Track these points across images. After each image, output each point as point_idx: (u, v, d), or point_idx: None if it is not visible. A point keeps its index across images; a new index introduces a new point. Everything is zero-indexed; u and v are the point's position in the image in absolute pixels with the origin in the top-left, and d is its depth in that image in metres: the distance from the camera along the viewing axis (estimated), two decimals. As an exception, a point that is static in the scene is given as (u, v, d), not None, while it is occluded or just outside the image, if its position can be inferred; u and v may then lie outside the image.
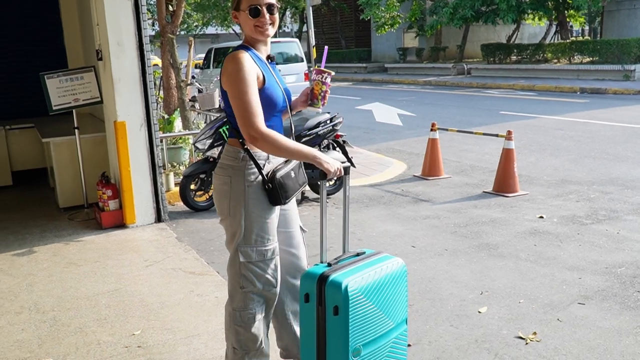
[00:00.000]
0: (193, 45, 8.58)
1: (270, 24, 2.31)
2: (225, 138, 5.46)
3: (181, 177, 5.76)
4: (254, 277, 2.37)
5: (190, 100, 9.09)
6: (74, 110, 5.60)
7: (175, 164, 7.30)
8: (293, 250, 2.58)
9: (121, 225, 5.25)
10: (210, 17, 37.50)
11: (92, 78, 5.67)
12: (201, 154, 5.67)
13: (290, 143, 2.22)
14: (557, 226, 5.10)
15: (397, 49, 29.85)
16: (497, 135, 6.57)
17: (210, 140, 5.41)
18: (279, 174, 2.34)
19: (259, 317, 2.43)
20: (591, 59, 19.85)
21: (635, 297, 3.59)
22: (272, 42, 14.50)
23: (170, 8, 8.80)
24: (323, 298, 2.13)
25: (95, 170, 5.70)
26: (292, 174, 2.43)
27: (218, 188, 2.39)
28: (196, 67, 17.53)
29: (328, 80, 2.44)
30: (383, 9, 25.50)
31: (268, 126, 2.27)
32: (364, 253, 2.35)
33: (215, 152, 5.48)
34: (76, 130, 5.67)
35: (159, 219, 5.32)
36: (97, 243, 4.88)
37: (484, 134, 6.74)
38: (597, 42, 20.06)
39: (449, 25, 23.38)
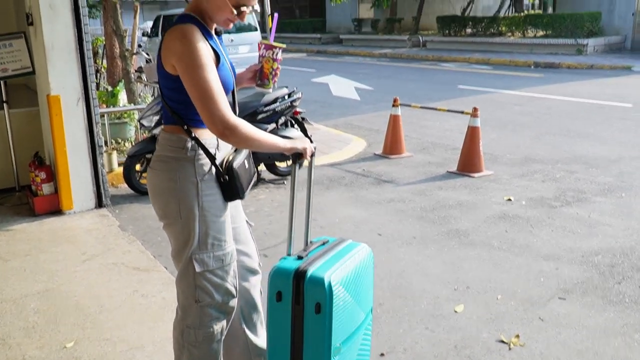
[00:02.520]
0: (139, 11, 7.92)
1: None
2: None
3: (125, 156, 5.25)
4: (212, 288, 2.01)
5: (136, 71, 8.46)
6: (1, 82, 4.99)
7: (120, 141, 6.74)
8: (241, 247, 2.22)
9: (57, 211, 4.72)
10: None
11: (23, 45, 5.06)
12: (147, 131, 5.14)
13: (264, 134, 1.95)
14: (526, 209, 4.88)
15: (352, 19, 29.29)
16: (462, 112, 6.29)
17: (157, 117, 4.90)
18: (235, 164, 2.02)
19: (217, 334, 2.08)
20: (545, 33, 19.90)
21: (616, 290, 3.38)
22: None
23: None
24: (301, 296, 1.93)
25: (29, 149, 5.09)
26: (246, 164, 2.11)
27: (159, 186, 2.01)
28: (143, 34, 16.60)
29: (279, 55, 2.15)
30: (338, -23, 24.87)
31: None
32: (327, 242, 2.16)
33: (162, 129, 4.98)
34: (5, 105, 5.06)
35: (99, 204, 4.81)
36: (29, 232, 4.36)
37: (449, 111, 6.45)
38: (550, 16, 20.11)
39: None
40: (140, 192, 5.20)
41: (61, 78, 4.47)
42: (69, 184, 4.63)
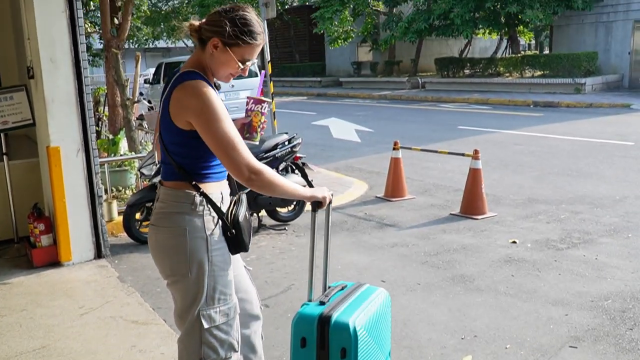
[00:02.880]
0: (140, 59, 8.02)
1: None
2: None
3: (125, 205, 5.21)
4: (217, 343, 2.00)
5: (137, 119, 8.52)
6: (1, 134, 5.00)
7: (120, 189, 6.72)
8: (242, 295, 2.22)
9: (55, 263, 4.65)
10: (160, 31, 36.69)
11: (23, 98, 5.09)
12: (147, 180, 5.12)
13: (286, 180, 2.02)
14: (532, 252, 4.80)
15: (351, 63, 29.74)
16: (463, 155, 6.27)
17: (158, 165, 4.89)
18: (240, 217, 2.04)
19: None
20: (542, 72, 20.13)
21: (628, 336, 3.28)
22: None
23: (116, 21, 8.24)
24: (326, 341, 1.99)
25: (28, 200, 5.06)
26: (247, 215, 2.12)
27: (166, 243, 1.99)
28: (145, 82, 16.83)
29: (266, 109, 2.26)
30: (336, 23, 25.34)
31: (217, 163, 2.04)
32: (346, 286, 2.25)
33: (162, 178, 4.95)
34: (5, 157, 5.07)
35: (99, 254, 4.74)
36: (26, 286, 4.28)
37: (450, 153, 6.44)
38: (548, 56, 20.38)
39: (403, 39, 23.35)
40: (140, 242, 5.14)
41: (61, 130, 4.47)
42: (68, 236, 4.58)
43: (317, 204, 2.14)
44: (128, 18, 8.21)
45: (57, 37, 4.39)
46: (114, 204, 5.62)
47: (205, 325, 1.96)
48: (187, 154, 1.96)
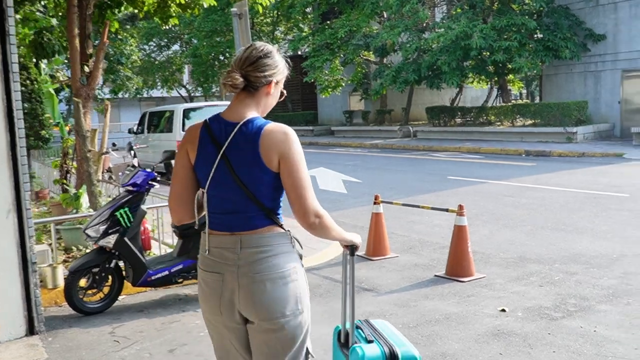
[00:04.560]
0: (109, 109, 7.63)
1: None
2: (124, 223, 4.46)
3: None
4: None
5: (107, 171, 8.07)
6: None
7: (81, 248, 6.20)
8: None
9: (-19, 340, 4.08)
10: (154, 81, 36.79)
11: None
12: (93, 243, 4.59)
13: (336, 225, 2.14)
14: (523, 323, 4.27)
15: (343, 111, 29.66)
16: (447, 210, 5.79)
17: (105, 227, 4.39)
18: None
19: None
20: (533, 121, 19.95)
21: None
22: (220, 105, 13.75)
23: (87, 69, 7.89)
24: None
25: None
26: None
27: (282, 288, 2.04)
28: (129, 131, 16.49)
29: None
30: (327, 72, 25.33)
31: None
32: (361, 323, 2.47)
33: (110, 240, 4.44)
34: None
35: (31, 330, 4.14)
36: (-59, 369, 3.72)
37: (433, 209, 5.95)
38: (538, 105, 20.24)
39: (391, 88, 23.28)
40: (83, 312, 4.57)
41: (-9, 187, 3.99)
42: (-3, 308, 4.03)
43: (355, 248, 2.28)
44: (99, 66, 7.88)
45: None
46: (59, 268, 5.07)
47: (311, 351, 2.18)
48: (273, 195, 2.06)
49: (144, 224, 5.41)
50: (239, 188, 2.02)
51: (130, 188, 4.57)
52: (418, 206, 6.28)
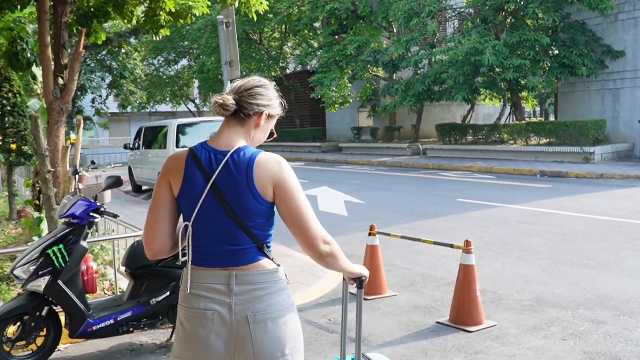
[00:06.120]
0: (82, 125, 6.96)
1: None
2: (57, 263, 3.72)
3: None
4: None
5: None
6: None
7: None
8: None
9: None
10: (163, 95, 36.52)
11: None
12: (22, 286, 3.83)
13: (344, 255, 2.08)
14: (543, 393, 3.47)
15: (351, 128, 28.96)
16: (451, 246, 4.98)
17: (35, 267, 3.66)
18: None
19: None
20: (548, 140, 19.09)
21: None
22: (216, 121, 13.11)
23: (61, 81, 7.24)
24: None
25: None
26: None
27: (282, 328, 1.95)
28: (125, 147, 15.88)
29: None
30: (334, 88, 24.67)
31: None
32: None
33: (41, 283, 3.69)
34: None
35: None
36: None
37: (435, 244, 5.15)
38: (554, 124, 19.38)
39: (402, 104, 22.52)
40: (10, 368, 3.82)
41: None
42: None
43: (363, 280, 2.21)
44: (74, 78, 7.21)
45: None
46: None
47: None
48: (266, 225, 1.99)
49: (86, 262, 4.68)
50: (230, 220, 1.94)
51: (68, 220, 3.85)
52: (419, 240, 5.47)
